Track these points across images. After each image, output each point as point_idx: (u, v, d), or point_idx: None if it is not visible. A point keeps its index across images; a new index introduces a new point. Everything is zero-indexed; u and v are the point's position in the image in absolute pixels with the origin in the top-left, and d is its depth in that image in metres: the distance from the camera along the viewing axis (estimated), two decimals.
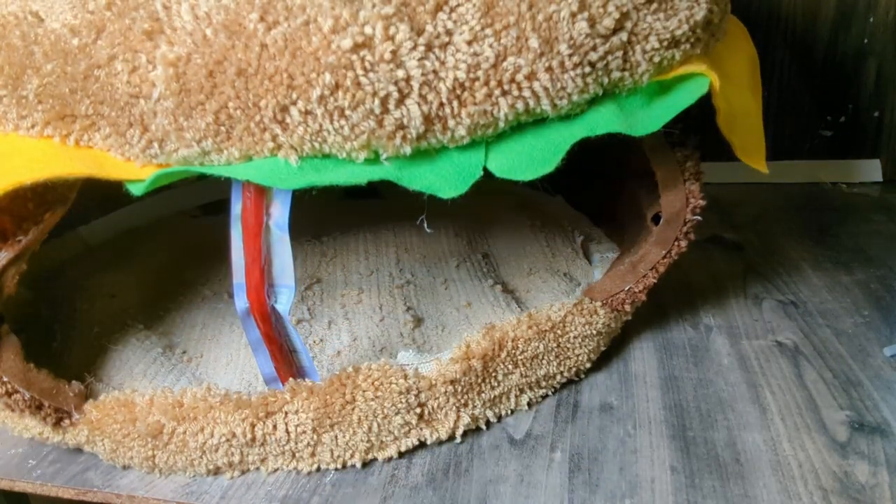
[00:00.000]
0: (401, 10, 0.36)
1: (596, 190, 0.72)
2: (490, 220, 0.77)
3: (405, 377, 0.46)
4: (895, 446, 0.46)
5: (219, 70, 0.36)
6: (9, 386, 0.44)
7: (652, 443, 0.47)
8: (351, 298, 0.63)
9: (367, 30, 0.36)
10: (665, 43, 0.41)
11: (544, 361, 0.50)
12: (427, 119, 0.38)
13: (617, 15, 0.39)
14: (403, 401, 0.46)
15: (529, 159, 0.41)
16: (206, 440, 0.44)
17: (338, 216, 0.80)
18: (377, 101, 0.37)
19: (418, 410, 0.46)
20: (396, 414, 0.46)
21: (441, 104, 0.38)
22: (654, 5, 0.41)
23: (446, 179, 0.40)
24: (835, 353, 0.56)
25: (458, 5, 0.37)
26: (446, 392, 0.47)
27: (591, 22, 0.39)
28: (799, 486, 0.43)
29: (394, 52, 0.36)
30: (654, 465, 0.46)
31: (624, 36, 0.40)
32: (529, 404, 0.52)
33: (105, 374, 0.52)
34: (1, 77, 0.39)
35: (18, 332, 0.46)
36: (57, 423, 0.46)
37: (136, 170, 0.40)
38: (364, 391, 0.45)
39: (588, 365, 0.54)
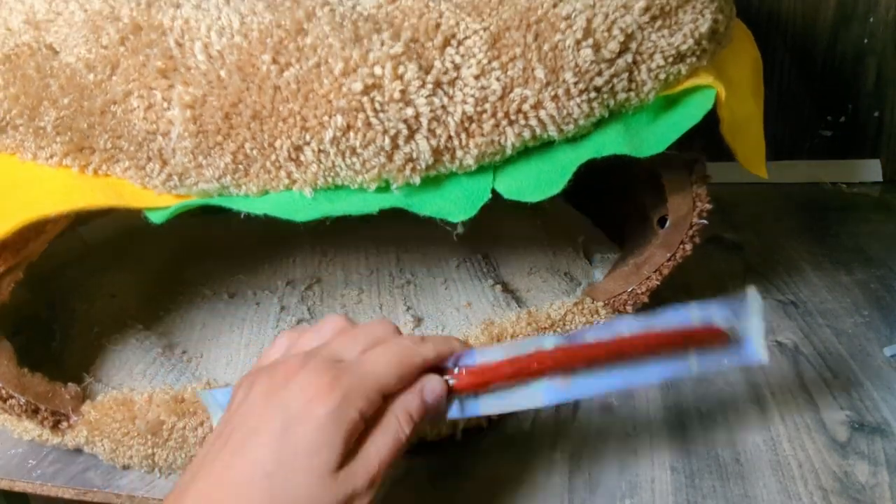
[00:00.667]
0: (409, 48, 0.37)
1: (598, 191, 0.72)
2: (490, 220, 0.77)
3: None
4: (895, 446, 0.46)
5: (234, 112, 0.37)
6: (3, 391, 0.44)
7: (652, 443, 0.47)
8: (351, 298, 0.63)
9: (377, 70, 0.36)
10: (670, 59, 0.42)
11: None
12: (436, 151, 0.39)
13: (622, 38, 0.40)
14: None
15: (537, 181, 0.42)
16: (205, 434, 0.44)
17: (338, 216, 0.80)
18: (387, 139, 0.38)
19: None
20: None
21: (449, 137, 0.39)
22: (659, 22, 0.41)
23: (456, 204, 0.41)
24: (835, 353, 0.56)
25: (466, 38, 0.38)
26: None
27: (596, 47, 0.39)
28: (799, 486, 0.43)
29: (402, 92, 0.37)
30: (654, 465, 0.46)
31: (629, 57, 0.41)
32: None
33: (105, 375, 0.52)
34: (17, 106, 0.39)
35: (17, 333, 0.46)
36: (55, 426, 0.46)
37: (155, 197, 0.41)
38: None
39: None
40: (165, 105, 0.37)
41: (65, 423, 0.47)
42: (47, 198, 0.39)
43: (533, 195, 0.42)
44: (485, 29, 0.38)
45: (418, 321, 0.59)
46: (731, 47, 0.50)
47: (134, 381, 0.52)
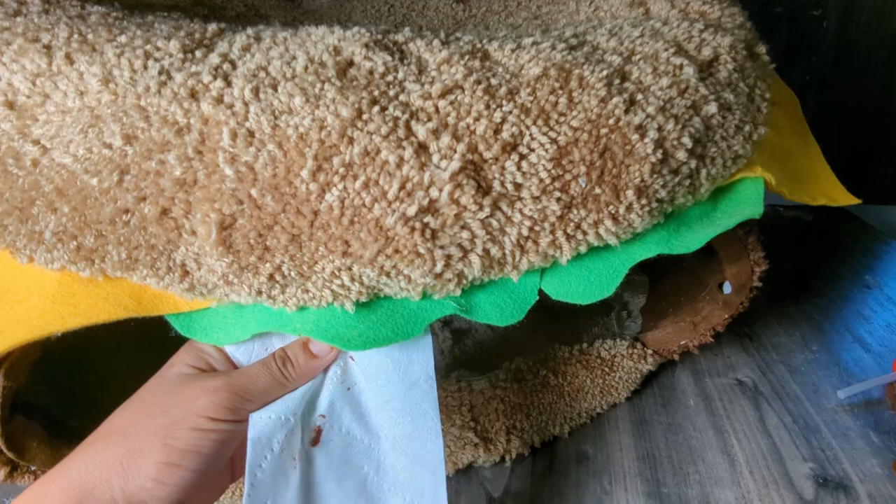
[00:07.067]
0: (466, 161, 0.33)
1: None
2: None
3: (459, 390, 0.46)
4: None
5: (269, 234, 0.32)
6: (40, 472, 0.40)
7: (629, 500, 0.49)
8: None
9: (433, 192, 0.32)
10: (729, 162, 0.39)
11: (588, 395, 0.52)
12: (486, 268, 0.35)
13: (690, 144, 0.37)
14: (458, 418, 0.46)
15: (587, 283, 0.39)
16: None
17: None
18: (440, 264, 0.34)
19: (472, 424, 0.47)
20: (452, 426, 0.46)
21: (503, 255, 0.35)
22: (724, 124, 0.39)
23: (502, 309, 0.37)
24: (791, 393, 0.58)
25: (530, 152, 0.34)
26: (496, 410, 0.48)
27: (664, 158, 0.36)
28: None
29: (457, 216, 0.33)
30: None
31: (693, 164, 0.38)
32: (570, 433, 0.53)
33: None
34: (1, 203, 0.32)
35: (42, 410, 0.41)
36: None
37: (179, 302, 0.35)
38: None
39: (623, 400, 0.56)
40: (186, 217, 0.32)
41: None
42: (51, 311, 0.33)
43: (582, 298, 0.39)
44: (552, 141, 0.34)
45: (458, 337, 0.59)
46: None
47: None
